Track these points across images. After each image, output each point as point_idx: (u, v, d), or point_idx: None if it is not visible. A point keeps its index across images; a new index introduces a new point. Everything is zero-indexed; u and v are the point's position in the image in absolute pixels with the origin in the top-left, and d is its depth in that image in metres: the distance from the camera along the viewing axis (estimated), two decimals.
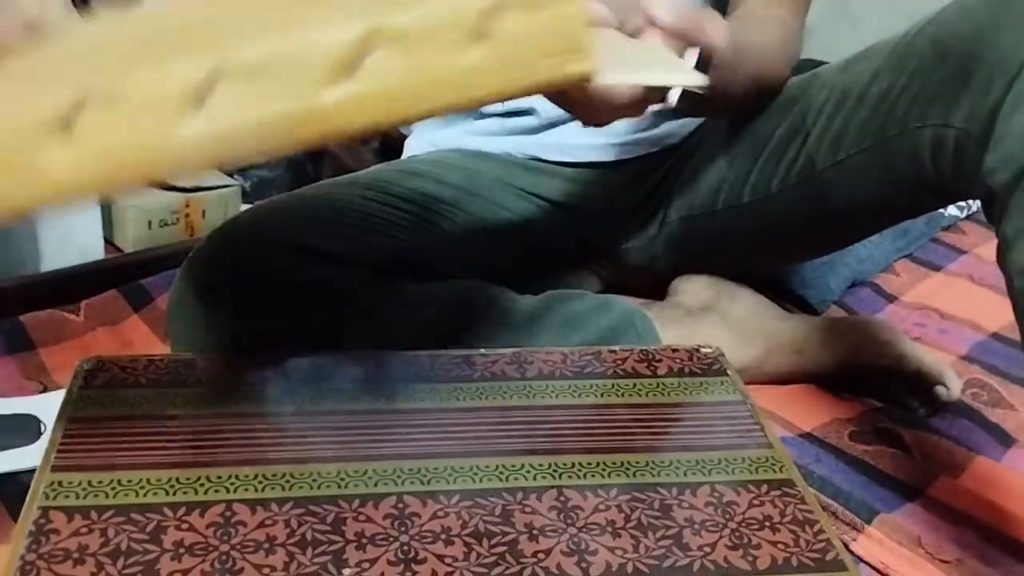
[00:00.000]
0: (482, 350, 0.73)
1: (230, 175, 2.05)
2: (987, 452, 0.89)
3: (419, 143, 1.01)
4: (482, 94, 0.46)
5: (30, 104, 0.43)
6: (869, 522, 0.77)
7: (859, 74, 0.82)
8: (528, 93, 0.48)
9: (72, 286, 0.92)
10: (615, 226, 0.99)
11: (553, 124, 0.95)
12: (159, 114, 0.42)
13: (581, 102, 0.61)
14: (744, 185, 0.91)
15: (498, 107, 0.95)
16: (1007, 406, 0.96)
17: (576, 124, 0.94)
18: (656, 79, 0.60)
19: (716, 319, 0.94)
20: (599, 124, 0.65)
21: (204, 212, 1.94)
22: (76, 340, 0.89)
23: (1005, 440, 0.91)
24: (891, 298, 1.16)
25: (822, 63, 0.94)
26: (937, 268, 1.25)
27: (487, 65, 0.44)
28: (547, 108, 0.93)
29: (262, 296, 0.74)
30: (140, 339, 0.91)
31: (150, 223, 1.87)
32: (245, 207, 2.06)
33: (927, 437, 0.89)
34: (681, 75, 0.62)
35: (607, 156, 0.96)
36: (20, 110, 0.43)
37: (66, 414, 0.61)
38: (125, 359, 0.67)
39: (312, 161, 2.12)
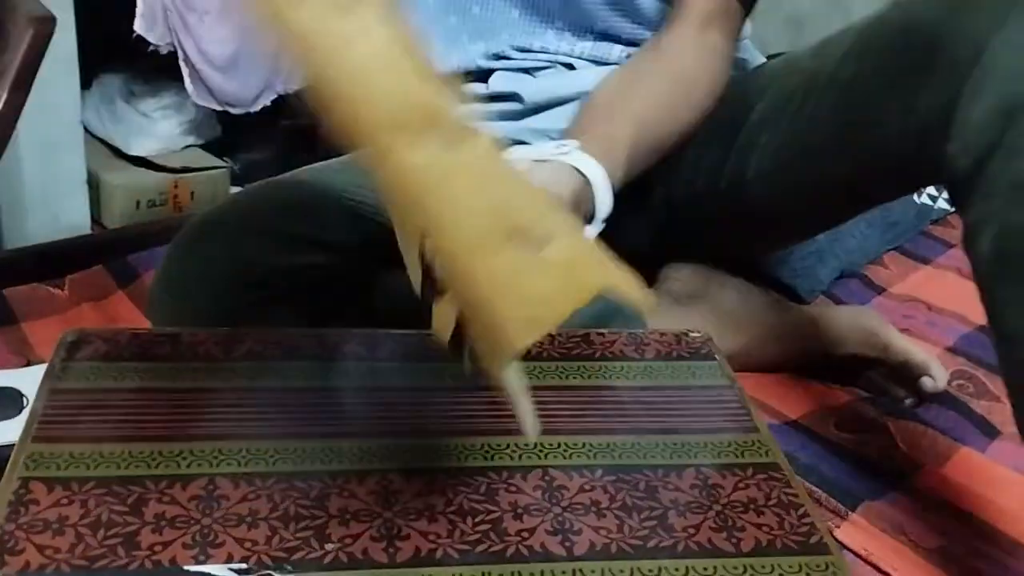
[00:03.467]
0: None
1: (219, 156, 2.04)
2: (972, 443, 0.89)
3: None
4: None
5: None
6: (853, 509, 0.78)
7: (828, 59, 0.82)
8: None
9: (57, 261, 0.91)
10: None
11: (538, 109, 0.94)
12: None
13: None
14: (722, 171, 0.90)
15: (482, 90, 0.95)
16: (992, 398, 0.97)
17: (559, 109, 0.93)
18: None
19: (704, 307, 0.94)
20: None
21: (192, 193, 1.93)
22: (61, 315, 0.89)
23: (990, 431, 0.91)
24: (880, 290, 1.17)
25: None
26: (926, 261, 1.25)
27: None
28: (531, 93, 0.93)
29: (245, 285, 0.73)
30: (125, 315, 0.91)
31: (138, 203, 1.86)
32: (235, 189, 2.06)
33: (913, 427, 0.89)
34: None
35: None
36: None
37: (48, 386, 0.61)
38: (108, 332, 0.67)
39: (304, 143, 2.11)
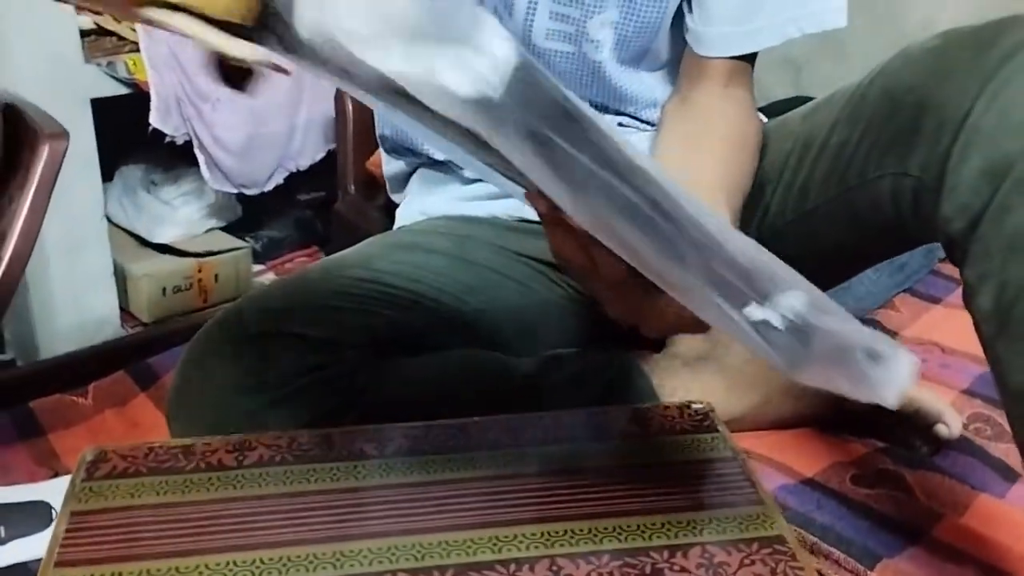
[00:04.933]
0: (475, 419, 0.74)
1: (241, 236, 2.09)
2: (991, 488, 0.89)
3: (409, 212, 1.03)
4: None
5: None
6: (872, 568, 0.77)
7: (819, 124, 0.84)
8: None
9: (80, 370, 0.94)
10: None
11: None
12: None
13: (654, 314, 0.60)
14: None
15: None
16: (1010, 439, 0.96)
17: None
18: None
19: (713, 368, 0.95)
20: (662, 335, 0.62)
21: (216, 276, 1.97)
22: (85, 423, 0.91)
23: (1009, 475, 0.91)
24: (891, 334, 1.17)
25: (810, 99, 0.96)
26: (937, 300, 1.25)
27: None
28: None
29: (259, 387, 0.76)
30: (147, 418, 0.93)
31: (164, 290, 1.90)
32: (257, 268, 2.10)
33: (930, 477, 0.89)
34: None
35: None
36: None
37: (68, 508, 0.63)
38: (126, 448, 0.69)
39: (319, 219, 2.15)
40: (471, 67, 0.41)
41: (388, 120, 1.02)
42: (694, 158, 0.83)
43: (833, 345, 0.48)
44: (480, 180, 0.99)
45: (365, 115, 1.85)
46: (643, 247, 0.47)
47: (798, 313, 0.48)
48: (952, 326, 1.18)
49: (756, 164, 0.87)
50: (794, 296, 0.49)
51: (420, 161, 1.02)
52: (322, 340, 0.78)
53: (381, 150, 1.08)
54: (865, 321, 1.18)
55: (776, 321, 0.48)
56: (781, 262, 0.51)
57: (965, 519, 0.84)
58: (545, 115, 0.44)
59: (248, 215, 2.14)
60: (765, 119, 1.40)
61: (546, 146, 0.44)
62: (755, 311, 0.48)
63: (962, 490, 0.88)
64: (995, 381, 0.69)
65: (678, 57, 0.94)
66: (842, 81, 0.88)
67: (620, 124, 0.96)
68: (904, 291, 1.26)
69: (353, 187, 1.85)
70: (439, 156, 0.97)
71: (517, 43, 0.43)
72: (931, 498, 0.87)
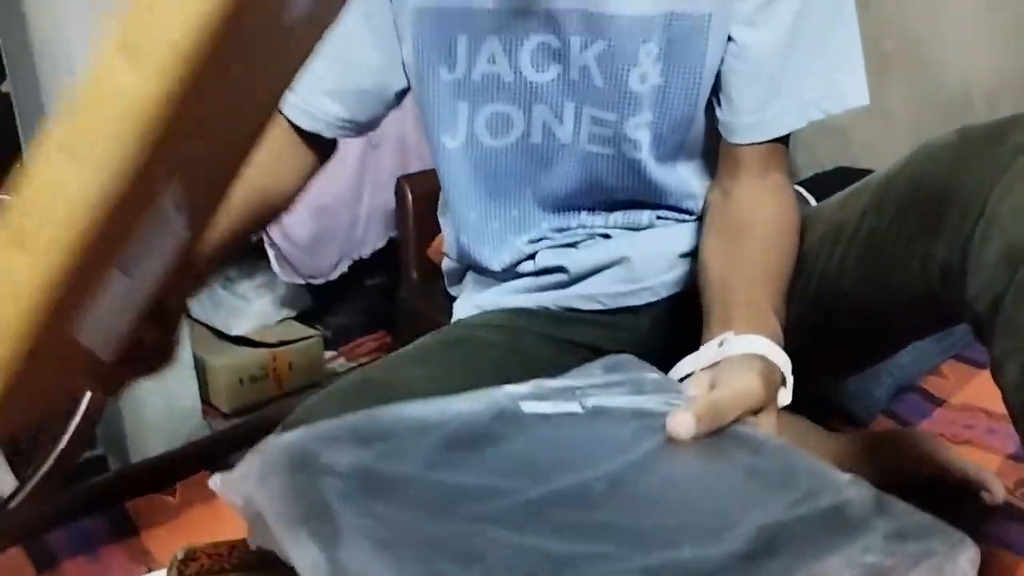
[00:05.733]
0: None
1: (312, 324, 2.19)
2: None
3: (465, 307, 1.10)
4: None
5: None
6: None
7: (851, 211, 0.89)
8: None
9: (169, 471, 1.02)
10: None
11: (582, 277, 1.03)
12: None
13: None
14: None
15: (530, 266, 1.04)
16: None
17: (602, 274, 1.02)
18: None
19: None
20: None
21: (290, 364, 2.07)
22: (174, 521, 0.99)
23: None
24: (939, 401, 1.19)
25: (854, 169, 1.01)
26: (984, 366, 1.26)
27: None
28: (575, 263, 1.01)
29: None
30: (230, 513, 1.00)
31: (241, 381, 2.01)
32: (329, 354, 2.19)
33: (976, 544, 0.91)
34: None
35: (636, 301, 1.03)
36: None
37: None
38: (211, 546, 0.76)
39: (386, 304, 2.25)
40: None
41: (453, 240, 1.08)
42: (736, 250, 0.89)
43: None
44: (530, 274, 1.06)
45: (424, 204, 1.95)
46: None
47: None
48: (999, 392, 1.20)
49: (796, 245, 0.92)
50: None
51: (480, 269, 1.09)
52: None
53: (441, 239, 1.15)
54: (912, 389, 1.21)
55: None
56: None
57: None
58: None
59: (318, 303, 2.25)
60: (809, 196, 1.45)
61: None
62: None
63: (1008, 557, 0.90)
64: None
65: (711, 148, 1.00)
66: (888, 144, 0.93)
67: (659, 217, 1.02)
68: (951, 357, 1.29)
69: (415, 274, 1.94)
70: (497, 268, 1.04)
71: None
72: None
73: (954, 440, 1.10)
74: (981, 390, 1.21)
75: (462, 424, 0.61)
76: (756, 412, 0.68)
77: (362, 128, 0.99)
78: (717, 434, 0.63)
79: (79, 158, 0.40)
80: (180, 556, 0.76)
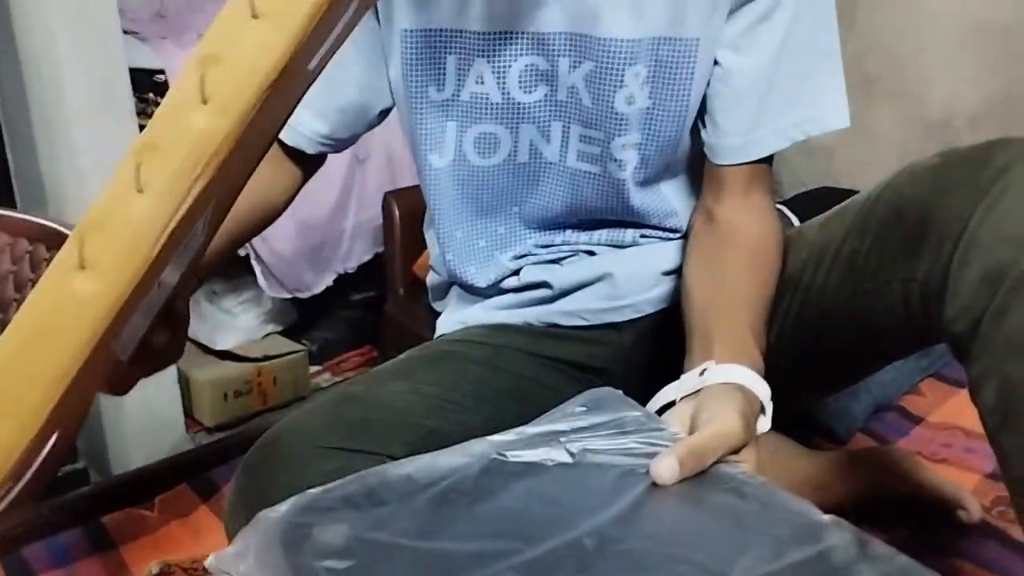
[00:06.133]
0: None
1: (297, 340, 2.19)
2: (1015, 572, 0.91)
3: (448, 322, 1.10)
4: None
5: None
6: None
7: (833, 233, 0.89)
8: None
9: (147, 485, 1.02)
10: (634, 382, 1.06)
11: (565, 293, 1.03)
12: None
13: None
14: None
15: (514, 282, 1.04)
16: None
17: (585, 290, 1.02)
18: None
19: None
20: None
21: (275, 379, 2.06)
22: (152, 535, 0.98)
23: None
24: (917, 419, 1.20)
25: (837, 189, 1.01)
26: (962, 385, 1.28)
27: None
28: (559, 279, 1.02)
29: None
30: (209, 527, 1.00)
31: (225, 395, 2.00)
32: (314, 369, 2.19)
33: (952, 563, 0.92)
34: None
35: (619, 317, 1.04)
36: None
37: None
38: (187, 561, 0.76)
39: (371, 319, 2.25)
40: None
41: (439, 255, 1.09)
42: (719, 272, 0.90)
43: None
44: (514, 290, 1.06)
45: (411, 220, 1.95)
46: None
47: None
48: (976, 411, 1.21)
49: (779, 265, 0.93)
50: None
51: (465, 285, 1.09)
52: (363, 452, 0.84)
53: (427, 254, 1.15)
54: (891, 407, 1.22)
55: None
56: None
57: None
58: None
59: (304, 318, 2.24)
60: (792, 215, 1.45)
61: None
62: None
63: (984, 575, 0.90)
64: (1000, 471, 0.74)
65: (694, 167, 1.00)
66: (871, 164, 0.94)
67: (642, 236, 1.03)
68: (929, 376, 1.30)
69: (402, 289, 1.94)
70: (482, 284, 1.04)
71: None
72: None
73: (932, 458, 1.11)
74: (959, 409, 1.22)
75: (451, 484, 0.61)
76: (737, 451, 0.69)
77: (342, 144, 1.00)
78: (700, 476, 0.64)
79: (149, 191, 0.47)
80: (155, 571, 0.76)
